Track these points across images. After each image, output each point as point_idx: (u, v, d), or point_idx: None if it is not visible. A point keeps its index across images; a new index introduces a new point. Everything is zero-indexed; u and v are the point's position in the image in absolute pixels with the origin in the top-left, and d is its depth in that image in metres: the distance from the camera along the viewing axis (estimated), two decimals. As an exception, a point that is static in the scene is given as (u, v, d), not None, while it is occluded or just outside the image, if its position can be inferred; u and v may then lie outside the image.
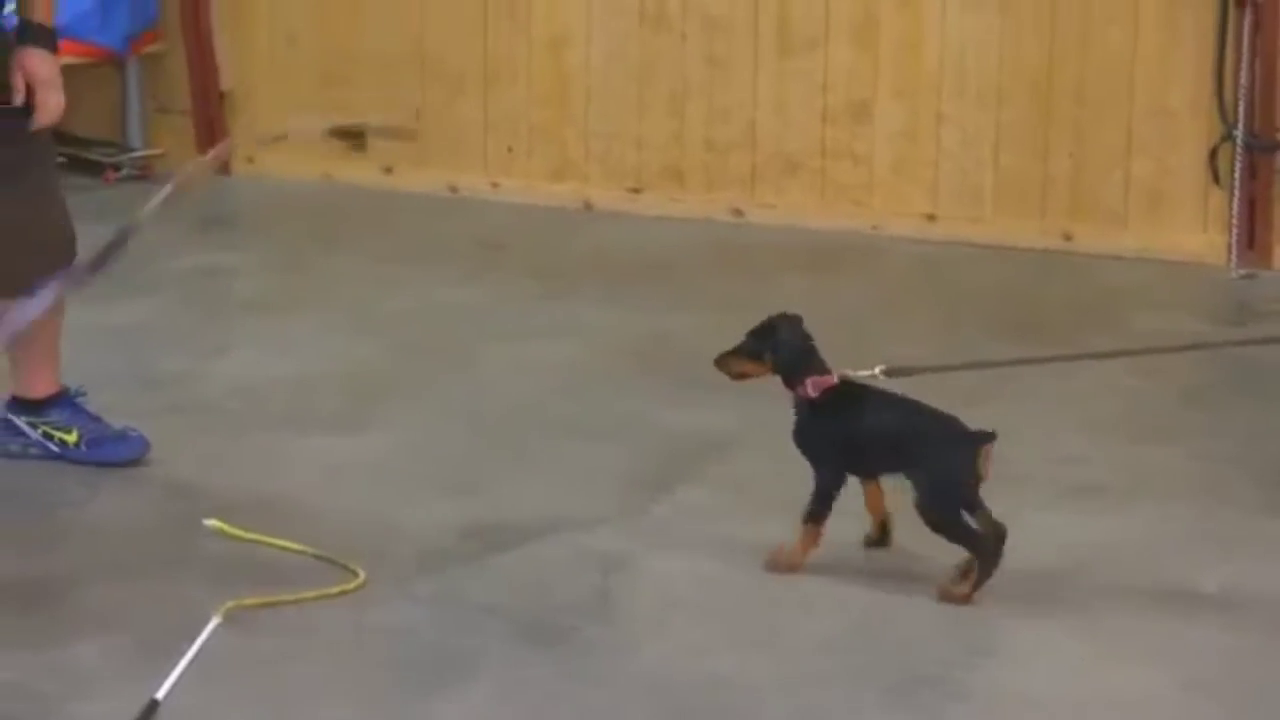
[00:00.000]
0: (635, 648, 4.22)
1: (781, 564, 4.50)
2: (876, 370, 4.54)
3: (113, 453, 5.25)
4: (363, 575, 4.43)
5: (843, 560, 4.63)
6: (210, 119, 8.84)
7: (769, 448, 5.40)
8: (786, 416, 5.63)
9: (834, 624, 4.30)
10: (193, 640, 4.02)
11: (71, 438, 5.24)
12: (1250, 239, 7.29)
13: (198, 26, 8.74)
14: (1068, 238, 7.56)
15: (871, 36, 7.76)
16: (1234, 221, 7.30)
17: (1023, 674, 4.05)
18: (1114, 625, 4.28)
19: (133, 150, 8.88)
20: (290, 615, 4.28)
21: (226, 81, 8.86)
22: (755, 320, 6.64)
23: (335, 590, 4.37)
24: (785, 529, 4.78)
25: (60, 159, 8.60)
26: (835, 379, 4.51)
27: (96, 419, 5.28)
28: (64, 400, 5.27)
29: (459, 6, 8.41)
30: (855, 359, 6.20)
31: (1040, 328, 6.63)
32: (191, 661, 3.96)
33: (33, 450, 5.24)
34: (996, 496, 4.88)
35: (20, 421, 5.25)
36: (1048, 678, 4.04)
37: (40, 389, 5.24)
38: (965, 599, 4.29)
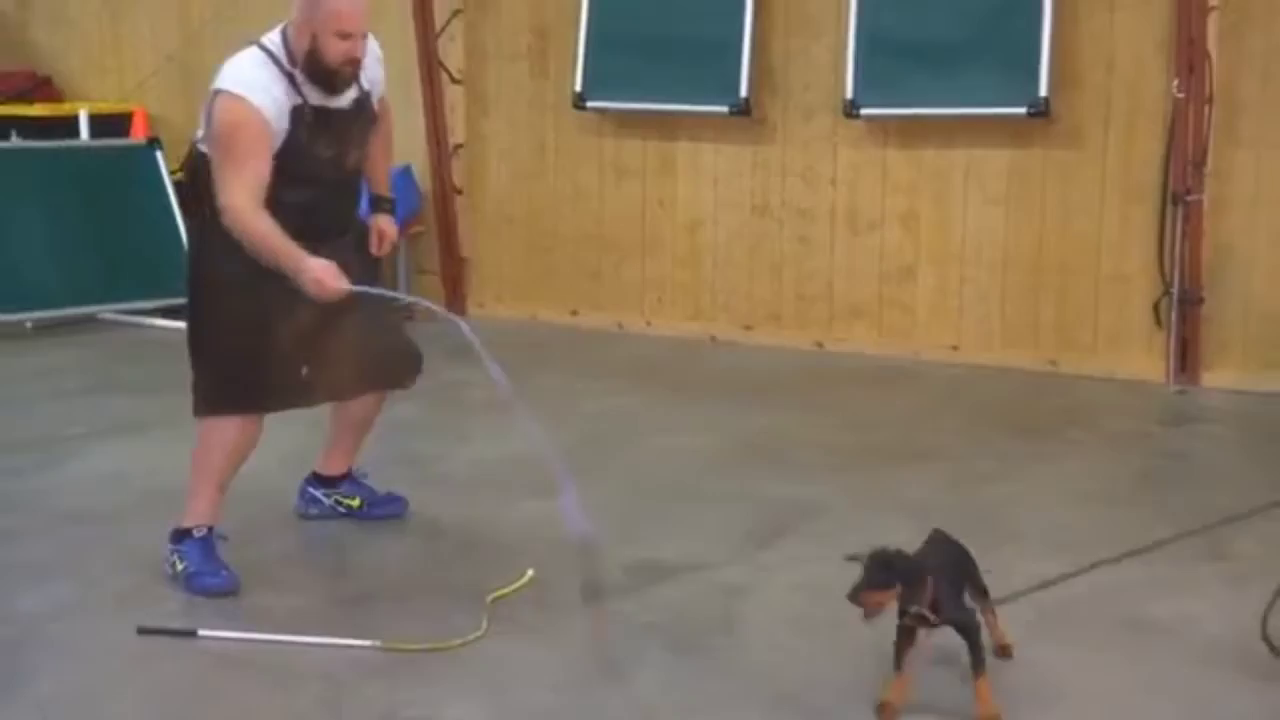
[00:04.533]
0: (750, 654, 4.19)
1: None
2: None
3: (385, 510, 5.29)
4: (530, 572, 4.59)
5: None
6: (455, 277, 8.95)
7: (849, 511, 5.39)
8: (862, 488, 5.63)
9: (891, 640, 4.25)
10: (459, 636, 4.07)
11: (355, 503, 5.28)
12: (1183, 365, 7.19)
13: (446, 215, 8.86)
14: (1054, 363, 7.48)
15: (915, 222, 7.75)
16: (1171, 353, 7.20)
17: (1019, 675, 3.98)
18: (1088, 643, 4.20)
19: (399, 299, 8.96)
20: (507, 628, 4.28)
21: (465, 251, 8.96)
22: (832, 418, 6.68)
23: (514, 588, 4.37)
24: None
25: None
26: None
27: (372, 489, 5.31)
28: (351, 479, 5.31)
29: (625, 199, 8.47)
30: (903, 448, 6.22)
31: (1035, 428, 6.55)
32: (449, 652, 3.99)
33: (325, 513, 5.28)
34: (1001, 551, 4.84)
35: (318, 493, 5.29)
36: (1037, 678, 3.98)
37: (336, 469, 5.28)
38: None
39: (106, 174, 8.67)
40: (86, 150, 8.78)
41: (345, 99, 4.64)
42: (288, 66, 4.51)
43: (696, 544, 5.05)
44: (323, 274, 4.42)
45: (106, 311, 8.49)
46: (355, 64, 4.56)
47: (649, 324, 8.42)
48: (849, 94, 7.63)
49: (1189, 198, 7.03)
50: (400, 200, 8.68)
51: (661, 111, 8.18)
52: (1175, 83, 6.97)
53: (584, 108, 8.32)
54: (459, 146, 8.86)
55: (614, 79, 8.18)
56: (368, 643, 4.12)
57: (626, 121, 8.37)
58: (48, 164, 8.54)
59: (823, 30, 7.80)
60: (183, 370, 4.77)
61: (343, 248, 4.71)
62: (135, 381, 7.25)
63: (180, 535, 4.69)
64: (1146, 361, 7.31)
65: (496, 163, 8.86)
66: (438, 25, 8.66)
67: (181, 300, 8.62)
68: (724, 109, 7.93)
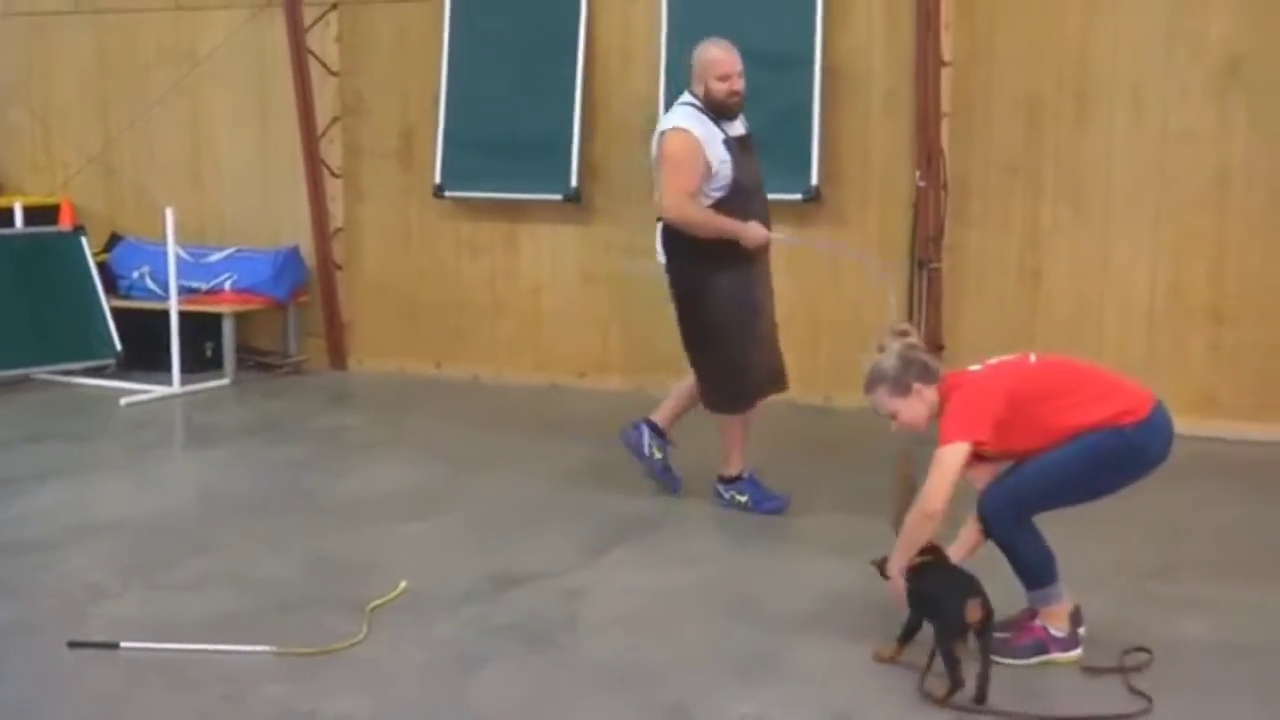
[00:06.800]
0: (590, 647, 4.16)
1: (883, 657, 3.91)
2: None
3: (771, 506, 5.45)
4: (404, 584, 4.50)
5: (704, 593, 4.56)
6: (336, 338, 8.76)
7: (670, 524, 5.38)
8: (678, 504, 5.61)
9: (707, 631, 4.24)
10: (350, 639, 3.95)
11: (744, 499, 5.47)
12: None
13: (328, 287, 8.68)
14: (828, 399, 7.55)
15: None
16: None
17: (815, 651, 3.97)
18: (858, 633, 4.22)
19: (290, 357, 8.78)
20: (384, 632, 4.19)
21: (345, 317, 8.80)
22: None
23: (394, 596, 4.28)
24: (685, 578, 4.73)
25: (248, 363, 8.57)
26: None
27: (761, 487, 5.51)
28: (743, 479, 5.53)
29: (478, 271, 8.39)
30: (713, 469, 6.20)
31: (816, 450, 6.63)
32: (334, 655, 3.87)
33: (725, 506, 5.49)
34: (792, 552, 4.83)
35: (721, 489, 5.50)
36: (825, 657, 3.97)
37: (732, 470, 5.51)
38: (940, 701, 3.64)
39: (39, 256, 8.38)
40: (21, 236, 8.48)
41: (740, 128, 5.28)
42: (706, 111, 5.15)
43: (545, 555, 4.99)
44: (757, 228, 5.22)
45: (39, 372, 8.20)
46: (737, 95, 5.19)
47: (500, 374, 8.35)
48: (660, 184, 7.66)
49: (930, 265, 7.18)
50: (289, 275, 8.60)
51: (507, 200, 8.14)
52: (918, 174, 7.13)
53: (443, 196, 8.27)
54: (339, 230, 8.71)
55: (467, 173, 8.16)
56: (265, 649, 4.01)
57: (478, 208, 8.32)
58: (-14, 248, 8.23)
59: (636, 133, 7.81)
60: (104, 421, 4.59)
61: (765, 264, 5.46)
62: (66, 431, 6.99)
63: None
64: (901, 396, 7.39)
65: (371, 242, 8.72)
66: (320, 128, 8.54)
67: (108, 362, 8.42)
68: (558, 197, 7.92)
